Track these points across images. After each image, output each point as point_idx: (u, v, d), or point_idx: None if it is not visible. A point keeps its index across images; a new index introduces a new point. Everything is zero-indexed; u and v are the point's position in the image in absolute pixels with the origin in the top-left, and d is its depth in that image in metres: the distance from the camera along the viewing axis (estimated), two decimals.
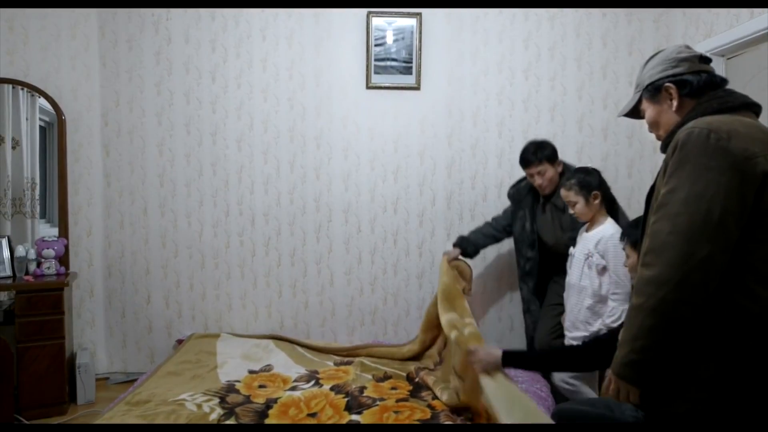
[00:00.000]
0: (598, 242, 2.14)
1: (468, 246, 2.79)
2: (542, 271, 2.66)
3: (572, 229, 2.51)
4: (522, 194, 2.73)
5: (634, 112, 1.43)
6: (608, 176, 3.17)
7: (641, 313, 1.12)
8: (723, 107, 1.21)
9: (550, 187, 2.57)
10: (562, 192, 2.26)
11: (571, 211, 2.28)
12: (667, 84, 1.30)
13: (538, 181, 2.57)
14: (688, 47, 1.34)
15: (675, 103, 1.29)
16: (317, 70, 3.14)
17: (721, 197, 1.07)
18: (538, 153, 2.55)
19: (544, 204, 2.63)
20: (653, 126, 1.36)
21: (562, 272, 2.54)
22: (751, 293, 1.10)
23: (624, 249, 1.80)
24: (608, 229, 2.16)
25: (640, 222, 1.80)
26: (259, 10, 3.09)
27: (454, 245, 2.84)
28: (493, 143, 2.95)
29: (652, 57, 1.38)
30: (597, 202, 2.20)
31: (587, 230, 2.25)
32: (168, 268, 3.15)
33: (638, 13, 3.19)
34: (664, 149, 1.27)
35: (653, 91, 1.33)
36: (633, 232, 1.75)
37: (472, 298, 2.93)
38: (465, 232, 3.18)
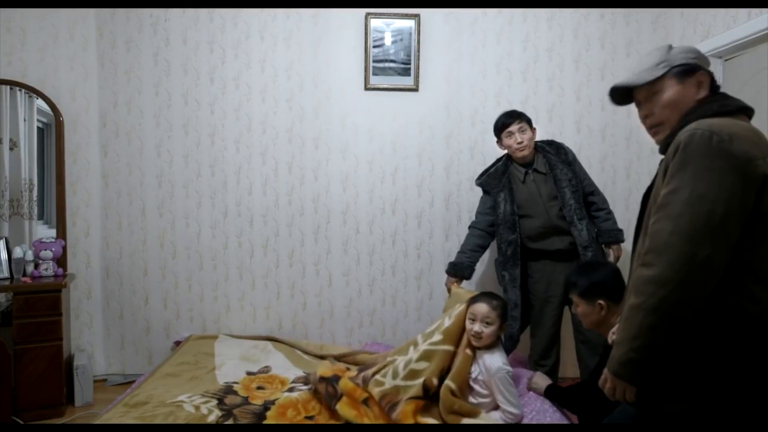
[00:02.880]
0: (494, 372, 2.10)
1: (464, 271, 2.70)
2: (524, 258, 2.65)
3: (556, 197, 2.53)
4: (497, 177, 2.67)
5: (623, 98, 1.40)
6: (606, 177, 3.21)
7: (640, 312, 1.12)
8: (722, 110, 1.23)
9: (529, 147, 2.57)
10: (482, 308, 2.16)
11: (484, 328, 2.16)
12: (702, 71, 1.30)
13: (518, 139, 2.54)
14: None
15: (703, 92, 1.29)
16: (316, 71, 3.14)
17: (723, 199, 1.08)
18: (515, 114, 2.59)
19: (525, 175, 2.61)
20: (669, 107, 1.29)
21: (549, 257, 2.58)
22: (749, 294, 1.11)
23: (571, 297, 1.91)
24: (497, 359, 2.13)
25: (585, 269, 1.94)
26: (258, 11, 3.09)
27: (450, 274, 2.73)
28: (491, 145, 2.94)
29: (671, 46, 1.37)
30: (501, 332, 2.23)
31: (481, 358, 2.18)
32: (166, 269, 3.14)
33: (636, 14, 3.20)
34: (663, 151, 1.27)
35: (686, 71, 1.30)
36: (579, 282, 1.87)
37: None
38: (463, 233, 3.19)
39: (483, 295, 2.26)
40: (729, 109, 1.23)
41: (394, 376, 2.15)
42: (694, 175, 1.11)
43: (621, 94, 1.41)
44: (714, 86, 1.32)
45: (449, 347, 2.18)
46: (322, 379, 2.21)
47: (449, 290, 2.73)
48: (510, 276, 2.62)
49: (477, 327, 2.14)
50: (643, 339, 1.12)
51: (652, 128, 1.35)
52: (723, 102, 1.25)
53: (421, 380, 2.08)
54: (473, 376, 2.16)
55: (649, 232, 1.16)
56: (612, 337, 1.53)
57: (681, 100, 1.29)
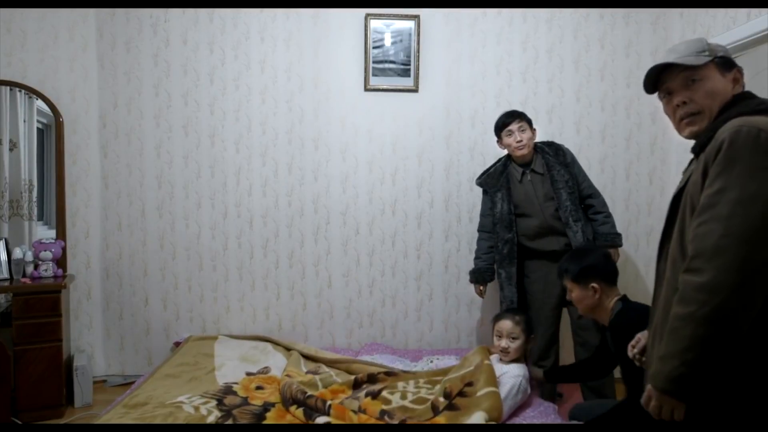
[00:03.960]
0: (512, 375, 2.18)
1: (484, 275, 2.79)
2: (521, 257, 2.68)
3: (552, 198, 2.55)
4: (495, 176, 2.70)
5: (653, 85, 1.33)
6: (606, 178, 3.21)
7: (692, 322, 1.04)
8: (758, 108, 1.17)
9: (528, 146, 2.58)
10: (507, 324, 2.28)
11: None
12: (738, 68, 1.27)
13: (518, 137, 2.56)
14: None
15: (738, 89, 1.25)
16: (315, 72, 3.14)
17: None
18: (516, 114, 2.61)
19: (522, 175, 2.63)
20: (711, 96, 1.23)
21: (545, 257, 2.60)
22: None
23: (564, 284, 1.95)
24: (520, 369, 2.23)
25: (576, 254, 1.99)
26: (258, 11, 3.09)
27: (475, 282, 2.83)
28: (491, 145, 2.95)
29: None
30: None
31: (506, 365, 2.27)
32: (166, 270, 3.14)
33: (636, 15, 3.20)
34: (699, 149, 1.20)
35: (728, 64, 1.26)
36: (571, 267, 1.91)
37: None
38: (462, 234, 3.20)
39: (506, 312, 2.39)
40: (765, 108, 1.17)
41: (402, 397, 2.17)
42: (743, 173, 1.04)
43: (653, 80, 1.32)
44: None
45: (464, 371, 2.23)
46: (312, 396, 2.14)
47: (480, 295, 2.85)
48: (506, 274, 2.66)
49: (504, 343, 2.26)
50: (695, 352, 1.04)
51: (688, 117, 1.26)
52: (759, 100, 1.21)
53: (428, 404, 2.10)
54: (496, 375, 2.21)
55: (694, 235, 1.08)
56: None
57: (722, 92, 1.23)
